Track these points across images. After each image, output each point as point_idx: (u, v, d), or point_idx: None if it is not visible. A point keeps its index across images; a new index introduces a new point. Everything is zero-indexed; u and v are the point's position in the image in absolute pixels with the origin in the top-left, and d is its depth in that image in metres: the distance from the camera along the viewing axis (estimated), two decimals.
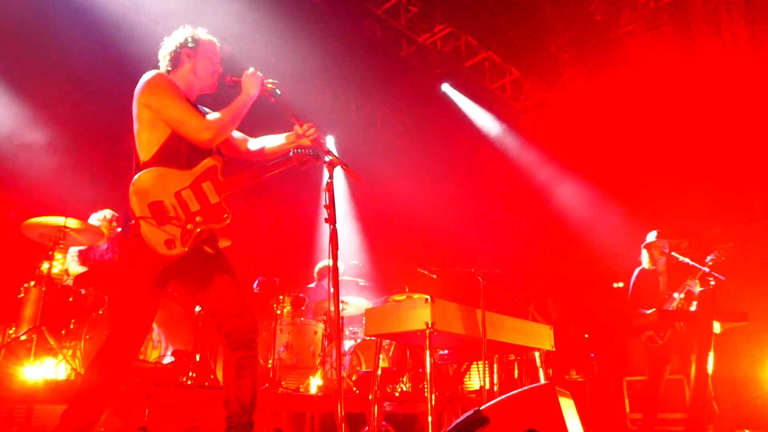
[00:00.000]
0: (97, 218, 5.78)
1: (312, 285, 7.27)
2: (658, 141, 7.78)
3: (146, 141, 2.86)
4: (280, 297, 6.14)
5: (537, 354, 4.82)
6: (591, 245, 7.96)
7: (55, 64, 6.41)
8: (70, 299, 5.04)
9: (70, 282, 5.39)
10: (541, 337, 4.68)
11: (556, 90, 8.75)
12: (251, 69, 3.06)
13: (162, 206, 2.76)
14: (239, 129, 3.18)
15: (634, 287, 5.59)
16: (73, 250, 5.69)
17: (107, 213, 5.82)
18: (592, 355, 7.06)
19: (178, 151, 2.87)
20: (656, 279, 5.54)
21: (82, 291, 5.14)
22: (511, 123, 9.32)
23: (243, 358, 2.86)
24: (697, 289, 5.18)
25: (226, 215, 2.91)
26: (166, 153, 2.85)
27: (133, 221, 2.73)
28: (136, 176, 2.78)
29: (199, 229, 2.81)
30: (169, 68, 3.07)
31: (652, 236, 5.63)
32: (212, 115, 2.97)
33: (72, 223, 5.06)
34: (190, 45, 3.06)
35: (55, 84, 6.42)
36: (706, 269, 5.13)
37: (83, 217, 5.39)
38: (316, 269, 7.33)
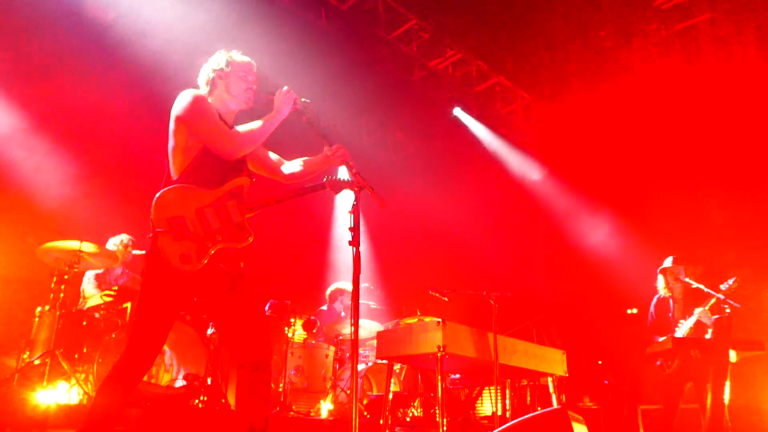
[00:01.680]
0: (114, 243, 5.88)
1: (324, 307, 7.30)
2: (671, 165, 7.80)
3: (177, 158, 2.96)
4: (292, 320, 6.17)
5: (550, 379, 4.81)
6: (605, 270, 7.93)
7: (70, 90, 6.57)
8: (84, 323, 5.10)
9: (85, 306, 5.45)
10: (554, 363, 4.67)
11: (568, 114, 8.81)
12: (285, 87, 3.14)
13: (182, 221, 2.80)
14: (276, 151, 3.26)
15: (653, 314, 5.59)
16: (90, 274, 5.78)
17: (124, 237, 5.92)
18: (606, 382, 7.00)
19: (206, 169, 2.95)
20: (668, 306, 5.52)
21: (96, 315, 5.20)
22: (523, 147, 9.37)
23: (256, 381, 2.87)
24: (708, 316, 5.16)
25: (248, 235, 2.94)
26: (195, 170, 2.93)
27: (152, 234, 2.79)
28: (161, 191, 2.85)
29: (217, 247, 2.85)
30: (207, 91, 3.20)
31: (668, 262, 5.63)
32: (240, 128, 3.05)
33: (87, 247, 5.15)
34: (221, 67, 3.18)
35: (73, 111, 6.57)
36: (722, 296, 5.11)
37: (99, 242, 5.48)
38: (328, 292, 7.36)
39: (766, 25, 6.82)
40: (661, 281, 5.62)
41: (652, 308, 5.65)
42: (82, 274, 5.79)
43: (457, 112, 9.25)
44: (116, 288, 5.21)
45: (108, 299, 5.18)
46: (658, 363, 5.27)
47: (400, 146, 9.85)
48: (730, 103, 7.18)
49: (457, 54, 8.35)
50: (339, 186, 3.14)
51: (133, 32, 6.70)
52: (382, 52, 8.06)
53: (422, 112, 9.16)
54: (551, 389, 4.86)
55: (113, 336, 4.93)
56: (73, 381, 4.68)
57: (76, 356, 4.92)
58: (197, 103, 3.00)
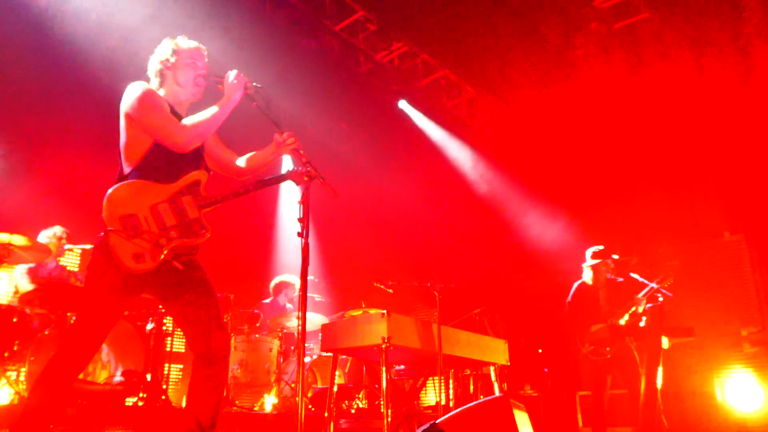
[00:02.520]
0: (46, 235, 5.67)
1: (267, 300, 7.23)
2: (609, 159, 8.05)
3: (129, 152, 2.87)
4: (236, 313, 6.09)
5: (492, 368, 4.92)
6: (545, 261, 8.14)
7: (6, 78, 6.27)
8: (15, 320, 4.88)
9: (16, 301, 5.23)
10: (496, 352, 4.77)
11: (511, 108, 8.97)
12: (234, 71, 3.04)
13: (135, 219, 2.72)
14: (227, 141, 3.18)
15: (573, 300, 5.76)
16: (22, 268, 5.55)
17: (57, 230, 5.71)
18: (546, 370, 7.20)
19: (160, 164, 2.86)
20: (596, 294, 5.70)
21: (27, 311, 4.99)
22: (467, 140, 9.49)
23: (212, 375, 2.84)
24: (644, 305, 5.38)
25: (205, 231, 2.86)
26: (148, 165, 2.84)
27: (103, 233, 2.70)
28: (113, 188, 2.76)
29: (172, 245, 2.77)
30: (156, 84, 3.10)
31: (596, 255, 5.79)
32: (189, 119, 2.94)
33: (17, 240, 4.93)
34: (167, 58, 3.09)
35: (5, 97, 6.27)
36: (656, 285, 5.33)
37: (31, 234, 5.26)
38: (272, 284, 7.30)
39: (701, 24, 7.11)
40: (588, 271, 5.78)
41: (572, 294, 5.78)
42: (14, 269, 5.54)
43: (403, 104, 9.29)
44: (48, 281, 5.02)
45: (40, 294, 4.99)
46: (591, 348, 5.44)
47: (346, 137, 9.82)
48: (669, 101, 7.46)
49: (403, 47, 8.36)
50: (300, 177, 3.08)
51: (68, 15, 6.45)
52: (329, 43, 8.01)
53: (368, 104, 9.15)
54: (493, 378, 4.97)
55: (46, 333, 4.77)
56: (4, 380, 4.49)
57: (6, 354, 4.71)
58: (144, 96, 2.89)
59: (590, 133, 8.22)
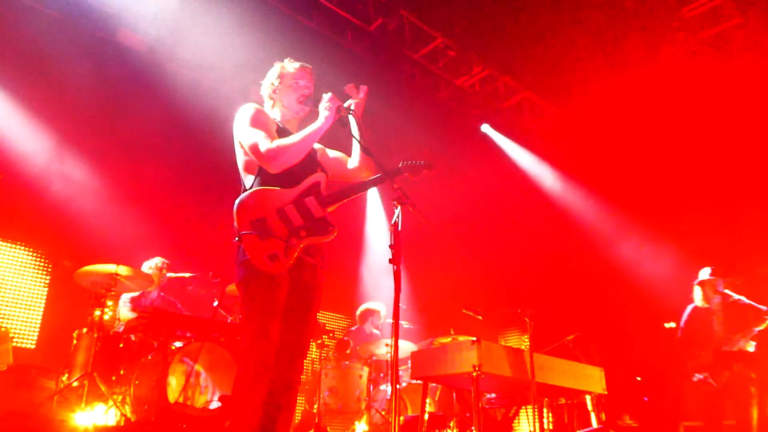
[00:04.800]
0: (149, 266, 5.97)
1: (354, 328, 7.29)
2: (707, 176, 7.65)
3: (248, 167, 3.07)
4: (325, 340, 6.16)
5: (588, 397, 4.70)
6: (640, 284, 7.78)
7: (107, 116, 6.75)
8: (120, 345, 5.17)
9: (120, 328, 5.53)
10: (592, 380, 4.57)
11: (597, 127, 8.72)
12: (329, 94, 3.16)
13: (264, 222, 2.86)
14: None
15: (685, 326, 5.45)
16: (126, 297, 5.87)
17: (158, 261, 6.00)
18: (646, 399, 6.82)
19: (278, 172, 3.00)
20: (710, 318, 5.38)
21: (132, 337, 5.26)
22: (553, 161, 9.29)
23: (288, 402, 2.88)
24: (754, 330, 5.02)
25: (332, 229, 3.00)
26: (267, 175, 3.01)
27: (238, 238, 2.84)
28: (240, 197, 2.92)
29: (303, 243, 2.90)
30: (270, 106, 3.33)
31: (705, 273, 5.50)
32: (283, 140, 3.04)
33: (123, 270, 5.23)
34: (273, 81, 3.31)
35: (109, 136, 6.75)
36: (765, 308, 4.98)
37: (135, 265, 5.57)
38: (359, 312, 7.35)
39: None
40: (698, 293, 5.49)
41: (685, 319, 5.48)
42: (119, 297, 5.87)
43: (486, 128, 9.23)
44: (151, 310, 5.27)
45: (143, 321, 5.24)
46: (703, 376, 5.12)
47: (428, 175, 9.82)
48: (766, 109, 7.03)
49: (483, 71, 8.35)
50: (417, 170, 3.17)
51: (169, 59, 6.89)
52: (409, 71, 8.11)
53: (450, 130, 9.15)
54: (590, 407, 4.75)
55: (149, 358, 4.99)
56: (111, 403, 4.73)
57: (113, 378, 4.98)
58: (244, 118, 3.08)
59: (683, 146, 7.85)
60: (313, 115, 3.21)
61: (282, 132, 3.14)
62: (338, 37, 7.39)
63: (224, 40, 6.69)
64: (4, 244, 6.26)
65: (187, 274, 5.86)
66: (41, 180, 6.29)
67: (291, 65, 3.34)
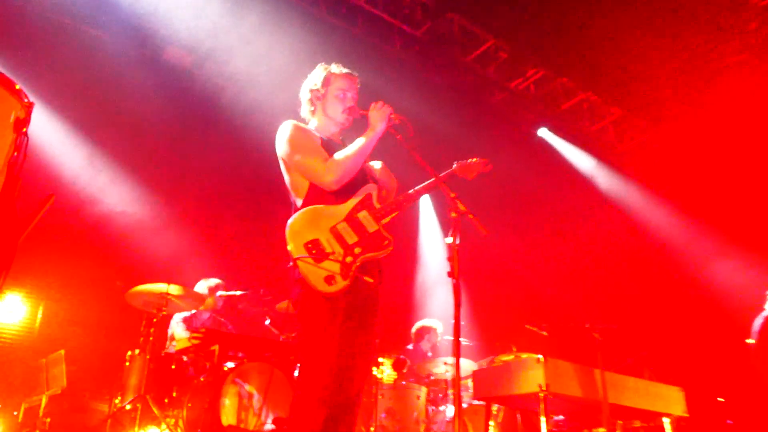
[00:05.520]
0: (205, 287, 6.10)
1: (410, 347, 7.22)
2: None
3: (296, 187, 3.08)
4: (380, 359, 6.12)
5: (667, 420, 4.50)
6: (719, 298, 7.46)
7: (156, 136, 6.96)
8: (173, 367, 5.25)
9: (172, 349, 5.62)
10: (670, 401, 4.38)
11: (662, 129, 8.46)
12: (379, 102, 3.14)
13: (318, 243, 2.87)
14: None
15: (761, 336, 5.17)
16: (178, 317, 5.98)
17: (212, 282, 6.11)
18: (730, 421, 6.52)
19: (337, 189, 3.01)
20: None
21: (184, 358, 5.34)
22: (617, 166, 9.05)
23: (346, 425, 2.85)
24: None
25: (387, 242, 3.00)
26: (317, 192, 3.02)
27: (292, 263, 2.86)
28: (291, 219, 2.93)
29: (359, 261, 2.91)
30: (308, 112, 3.33)
31: None
32: (338, 154, 3.05)
33: (174, 289, 5.32)
34: (318, 87, 3.29)
35: (161, 158, 6.95)
36: None
37: (185, 283, 5.64)
38: (414, 330, 7.29)
39: None
40: None
41: (760, 329, 5.20)
42: (170, 318, 5.99)
43: (543, 132, 9.10)
44: (203, 330, 5.35)
45: (195, 341, 5.32)
46: None
47: (482, 173, 9.73)
48: None
49: (539, 72, 8.24)
50: (471, 169, 3.19)
51: (216, 75, 7.06)
52: (460, 76, 8.06)
53: (505, 136, 9.04)
54: (669, 430, 4.55)
55: (201, 379, 5.05)
56: (164, 425, 4.80)
57: (166, 400, 5.05)
58: (291, 138, 3.08)
59: (759, 149, 7.52)
60: (356, 125, 3.21)
61: (328, 146, 3.13)
62: (385, 43, 7.43)
63: (267, 52, 6.81)
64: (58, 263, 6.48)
65: (238, 292, 5.95)
66: (90, 200, 6.50)
67: (338, 70, 3.32)
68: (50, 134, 6.46)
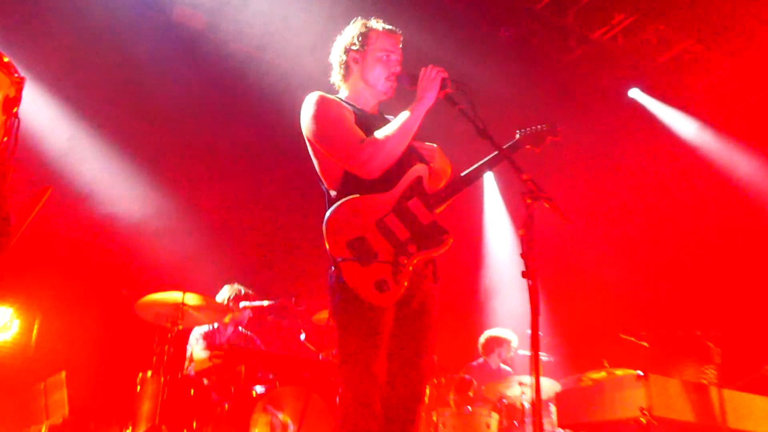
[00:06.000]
0: (225, 296, 6.17)
1: (477, 363, 7.24)
2: None
3: (328, 172, 3.09)
4: (440, 379, 6.15)
5: None
6: None
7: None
8: (192, 392, 5.36)
9: (191, 370, 5.74)
10: None
11: None
12: (429, 67, 3.11)
13: (363, 242, 2.86)
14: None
15: None
16: (197, 332, 6.11)
17: (235, 288, 6.19)
18: None
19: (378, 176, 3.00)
20: None
21: (205, 381, 5.45)
22: (730, 133, 8.85)
23: None
24: None
25: (445, 236, 2.97)
26: (354, 178, 3.02)
27: (333, 267, 2.88)
28: (327, 214, 2.93)
29: (415, 261, 2.90)
30: (339, 79, 3.32)
31: None
32: (378, 133, 3.03)
33: (191, 299, 5.43)
34: (356, 45, 3.26)
35: (171, 143, 7.14)
36: None
37: (204, 292, 5.75)
38: (482, 341, 7.30)
39: None
40: None
41: None
42: (188, 333, 6.13)
43: (635, 93, 9.00)
44: (227, 347, 5.44)
45: (217, 361, 5.42)
46: None
47: (563, 144, 9.63)
48: None
49: (627, 18, 8.10)
50: (539, 137, 3.18)
51: (234, 39, 7.14)
52: (529, 26, 7.98)
53: (587, 100, 8.94)
54: None
55: (226, 407, 5.14)
56: None
57: None
58: (317, 113, 3.07)
59: None
60: (397, 94, 3.20)
61: (363, 120, 3.11)
62: None
63: (297, 7, 6.83)
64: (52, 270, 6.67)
65: (265, 302, 6.02)
66: (91, 195, 6.67)
67: (380, 26, 3.29)
68: (41, 114, 6.61)
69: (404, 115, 3.04)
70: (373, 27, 3.29)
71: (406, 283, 2.84)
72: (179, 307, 5.39)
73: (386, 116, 3.28)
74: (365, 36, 3.25)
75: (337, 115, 3.07)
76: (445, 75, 3.09)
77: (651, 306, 8.46)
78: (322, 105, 3.09)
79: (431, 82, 3.06)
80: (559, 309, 8.45)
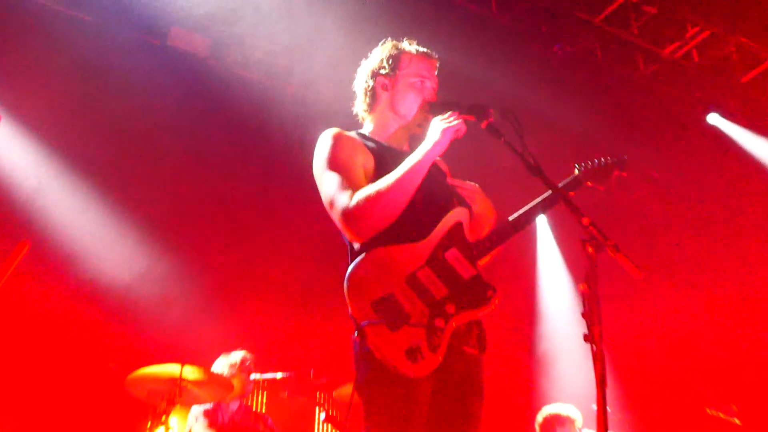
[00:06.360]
0: (227, 364, 6.09)
1: None
2: None
3: None
4: None
5: None
6: None
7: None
8: None
9: None
10: None
11: None
12: (448, 113, 3.05)
13: (392, 301, 2.81)
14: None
15: None
16: (197, 410, 6.03)
17: (240, 356, 6.12)
18: None
19: (400, 216, 2.91)
20: None
21: None
22: None
23: None
24: None
25: (490, 293, 2.90)
26: None
27: (357, 332, 2.80)
28: (349, 269, 2.87)
29: (454, 325, 2.82)
30: (365, 108, 3.31)
31: None
32: (368, 188, 2.93)
33: (190, 372, 5.36)
34: (385, 69, 3.24)
35: (168, 191, 7.18)
36: None
37: (206, 364, 5.74)
38: (539, 420, 7.11)
39: None
40: None
41: None
42: (187, 412, 6.04)
43: (714, 118, 8.96)
44: (232, 427, 5.38)
45: None
46: None
47: (631, 180, 9.56)
48: None
49: (703, 31, 8.07)
50: (604, 173, 3.13)
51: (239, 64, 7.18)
52: (588, 42, 7.97)
53: (657, 126, 8.94)
54: None
55: None
56: None
57: None
58: (323, 157, 3.05)
59: None
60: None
61: (389, 160, 3.06)
62: (474, 3, 7.40)
63: (309, 28, 6.87)
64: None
65: (279, 375, 5.95)
66: (75, 251, 6.66)
67: (414, 49, 3.28)
68: (15, 158, 6.68)
69: (406, 163, 2.95)
70: (406, 49, 3.28)
71: (443, 351, 2.76)
72: (177, 383, 5.33)
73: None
74: (396, 59, 3.25)
75: (345, 161, 3.03)
76: (460, 122, 3.03)
77: (741, 374, 8.31)
78: (333, 146, 3.06)
79: (445, 130, 2.99)
80: (630, 379, 8.33)
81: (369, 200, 2.86)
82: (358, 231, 2.89)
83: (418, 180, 2.94)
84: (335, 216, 2.94)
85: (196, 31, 7.13)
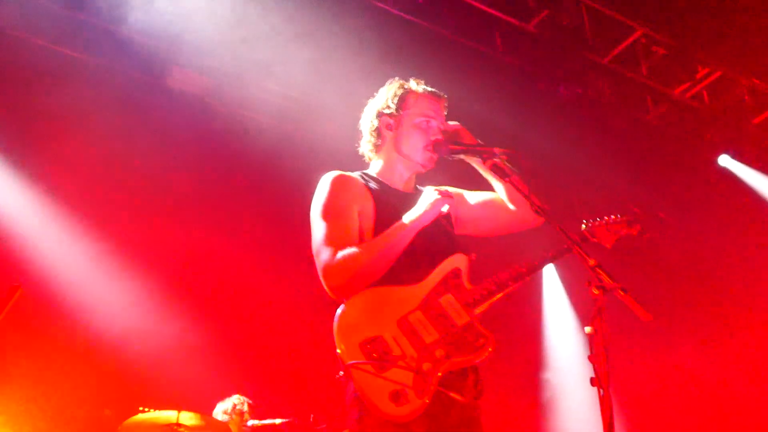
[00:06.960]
0: (223, 410, 6.09)
1: None
2: None
3: None
4: None
5: None
6: None
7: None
8: None
9: None
10: None
11: None
12: (442, 187, 3.14)
13: (380, 343, 2.82)
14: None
15: None
16: None
17: (237, 400, 6.13)
18: None
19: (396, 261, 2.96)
20: None
21: None
22: None
23: None
24: None
25: (483, 342, 2.88)
26: None
27: (342, 372, 2.82)
28: (339, 309, 2.89)
29: (442, 371, 2.80)
30: (371, 149, 3.35)
31: None
32: (354, 249, 2.97)
33: (187, 418, 5.31)
34: (391, 108, 3.28)
35: (163, 235, 7.17)
36: None
37: (203, 410, 5.69)
38: None
39: None
40: None
41: None
42: None
43: (725, 160, 8.99)
44: None
45: None
46: None
47: (644, 222, 9.54)
48: None
49: (713, 72, 8.08)
50: (610, 232, 3.18)
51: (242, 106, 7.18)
52: (596, 83, 7.98)
53: (668, 169, 9.00)
54: None
55: None
56: None
57: None
58: (319, 200, 3.10)
59: None
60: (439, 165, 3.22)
61: (392, 202, 3.12)
62: (480, 43, 7.43)
63: (315, 69, 6.89)
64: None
65: (278, 420, 5.88)
66: (66, 296, 6.62)
67: (420, 88, 3.31)
68: (8, 201, 6.65)
69: (392, 233, 2.99)
70: (412, 88, 3.33)
71: (430, 395, 2.74)
72: (173, 429, 5.28)
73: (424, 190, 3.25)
74: (402, 98, 3.29)
75: (339, 210, 3.08)
76: (449, 198, 3.10)
77: (754, 420, 8.32)
78: (330, 193, 3.12)
79: (436, 202, 3.04)
80: (638, 424, 8.26)
81: (349, 261, 2.93)
82: (334, 288, 2.95)
83: (400, 248, 3.01)
84: (317, 267, 2.99)
85: (197, 71, 7.15)
